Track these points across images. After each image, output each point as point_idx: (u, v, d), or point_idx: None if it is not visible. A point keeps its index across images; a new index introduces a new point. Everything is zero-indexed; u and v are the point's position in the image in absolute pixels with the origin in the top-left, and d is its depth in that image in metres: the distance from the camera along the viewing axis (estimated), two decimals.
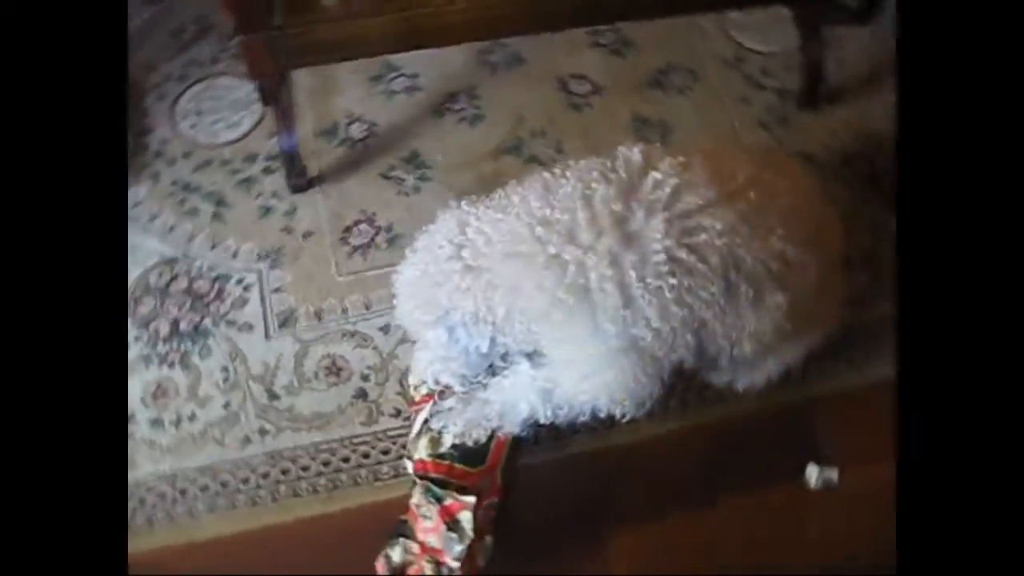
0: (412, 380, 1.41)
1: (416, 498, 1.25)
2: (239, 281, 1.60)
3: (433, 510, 1.22)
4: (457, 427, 1.26)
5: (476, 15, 1.46)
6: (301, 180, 1.65)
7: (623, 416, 1.20)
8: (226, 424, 1.47)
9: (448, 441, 1.27)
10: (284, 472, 1.43)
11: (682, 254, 1.12)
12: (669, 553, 1.38)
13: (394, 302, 1.33)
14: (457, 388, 1.28)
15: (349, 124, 1.78)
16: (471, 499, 1.23)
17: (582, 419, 1.25)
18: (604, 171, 1.19)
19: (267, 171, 1.71)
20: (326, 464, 1.44)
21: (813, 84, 1.75)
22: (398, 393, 1.50)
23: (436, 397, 1.31)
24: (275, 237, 1.64)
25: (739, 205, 1.16)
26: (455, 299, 1.20)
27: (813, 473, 1.43)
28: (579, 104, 1.81)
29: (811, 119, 1.79)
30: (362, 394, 1.50)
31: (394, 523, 1.31)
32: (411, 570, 1.23)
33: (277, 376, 1.51)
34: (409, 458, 1.32)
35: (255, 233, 1.65)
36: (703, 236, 1.13)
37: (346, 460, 1.45)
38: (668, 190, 1.15)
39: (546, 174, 1.24)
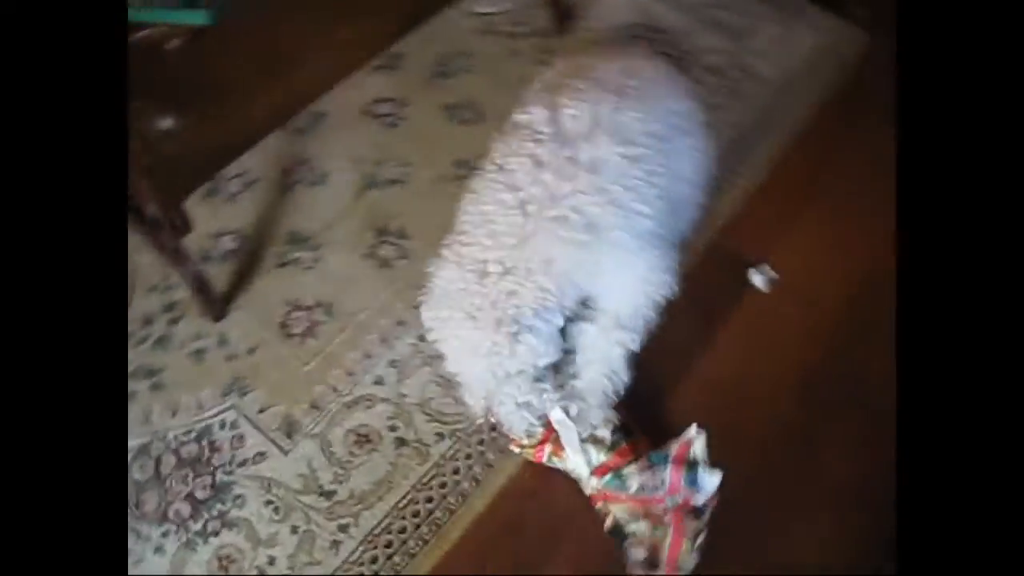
0: (518, 434, 1.46)
1: (636, 485, 1.39)
2: (222, 425, 1.56)
3: (664, 472, 1.39)
4: (599, 418, 1.41)
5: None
6: (218, 307, 1.63)
7: (673, 293, 1.40)
8: (307, 544, 1.45)
9: (606, 434, 1.43)
10: (388, 545, 1.46)
11: (631, 151, 1.33)
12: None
13: (458, 379, 1.39)
14: (548, 400, 1.37)
15: (218, 240, 1.77)
16: (692, 430, 1.42)
17: (654, 319, 1.42)
18: (531, 136, 1.36)
19: (173, 321, 1.66)
20: (416, 515, 1.49)
21: (560, 11, 2.03)
22: (428, 421, 1.57)
23: (555, 423, 1.41)
24: (225, 369, 1.62)
25: (628, 91, 1.39)
26: (516, 301, 1.28)
27: (757, 279, 1.73)
28: (394, 122, 1.95)
29: (571, 38, 2.07)
30: (401, 442, 1.56)
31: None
32: (663, 549, 1.38)
33: (319, 477, 1.52)
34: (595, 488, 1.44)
35: (204, 378, 1.61)
36: (632, 126, 1.35)
37: (430, 500, 1.51)
38: (585, 114, 1.35)
39: (487, 175, 1.37)
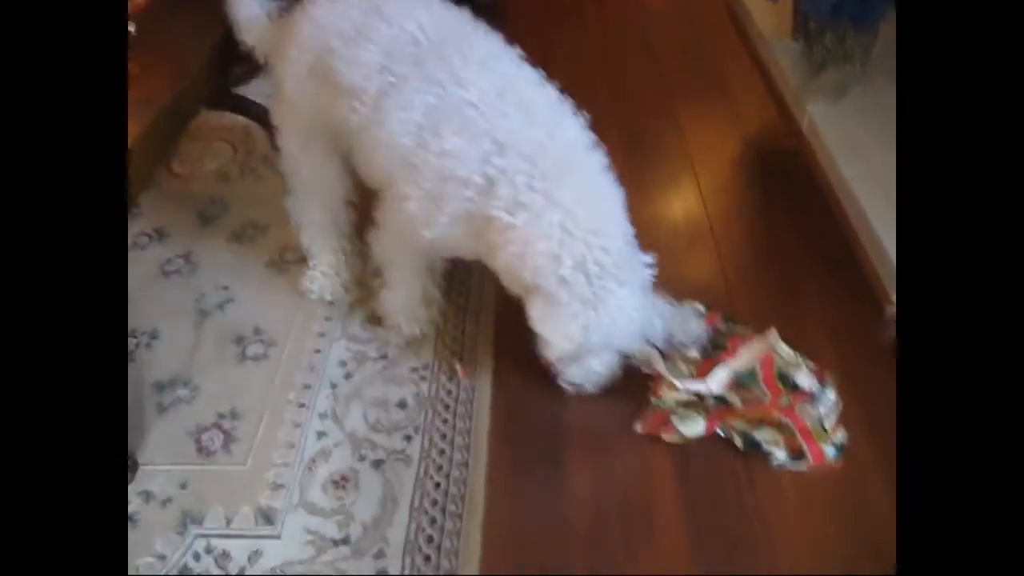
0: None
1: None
2: (196, 556, 1.38)
3: (759, 387, 1.57)
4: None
5: None
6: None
7: None
8: None
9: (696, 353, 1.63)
10: (430, 540, 1.39)
11: None
12: None
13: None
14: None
15: None
16: (770, 336, 1.63)
17: None
18: None
19: None
20: (435, 503, 1.44)
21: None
22: (389, 435, 1.56)
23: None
24: (166, 514, 1.45)
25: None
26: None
27: None
28: (191, 270, 1.96)
29: None
30: (378, 463, 1.52)
31: None
32: (800, 443, 1.51)
33: (325, 534, 1.41)
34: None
35: (150, 534, 1.42)
36: None
37: (438, 485, 1.47)
38: None
39: None
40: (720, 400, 1.56)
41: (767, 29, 2.80)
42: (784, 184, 2.28)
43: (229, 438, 1.59)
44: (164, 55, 1.89)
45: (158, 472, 1.53)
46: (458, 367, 1.67)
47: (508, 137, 1.40)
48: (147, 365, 1.74)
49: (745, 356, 1.59)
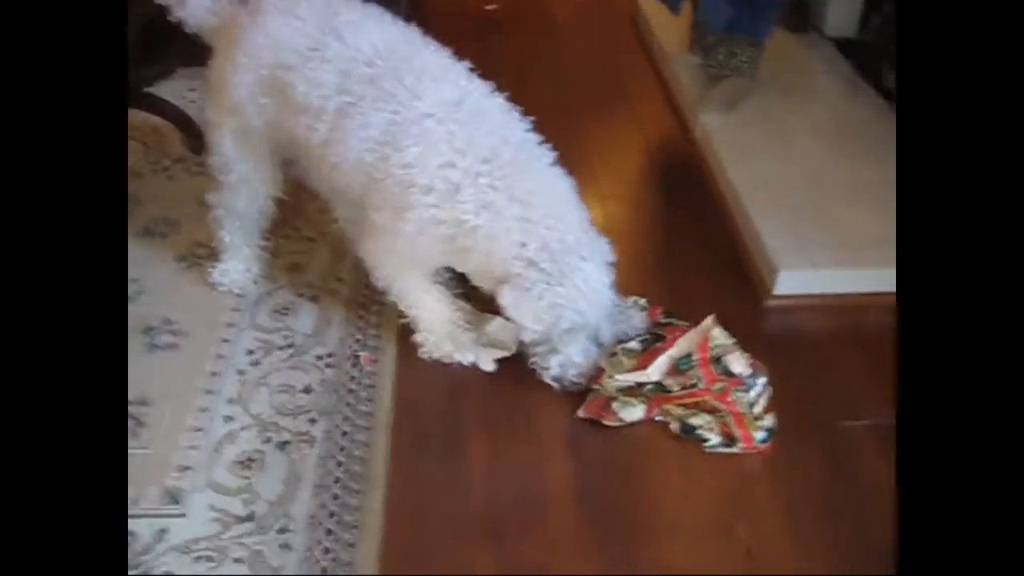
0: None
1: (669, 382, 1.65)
2: None
3: (696, 372, 1.63)
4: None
5: None
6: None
7: None
8: (257, 563, 1.39)
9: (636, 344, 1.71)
10: (332, 515, 1.46)
11: None
12: None
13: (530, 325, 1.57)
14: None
15: None
16: (706, 322, 1.72)
17: None
18: None
19: None
20: (337, 480, 1.51)
21: (191, 137, 2.26)
22: (295, 417, 1.62)
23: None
24: None
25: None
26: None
27: None
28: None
29: None
30: (283, 444, 1.58)
31: None
32: (732, 428, 1.59)
33: (230, 511, 1.46)
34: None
35: None
36: None
37: (340, 464, 1.54)
38: None
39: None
40: (658, 386, 1.66)
41: (668, 43, 2.97)
42: (680, 189, 2.43)
43: (137, 423, 1.62)
44: None
45: None
46: (362, 355, 1.75)
47: (467, 144, 1.52)
48: None
49: (683, 344, 1.69)
